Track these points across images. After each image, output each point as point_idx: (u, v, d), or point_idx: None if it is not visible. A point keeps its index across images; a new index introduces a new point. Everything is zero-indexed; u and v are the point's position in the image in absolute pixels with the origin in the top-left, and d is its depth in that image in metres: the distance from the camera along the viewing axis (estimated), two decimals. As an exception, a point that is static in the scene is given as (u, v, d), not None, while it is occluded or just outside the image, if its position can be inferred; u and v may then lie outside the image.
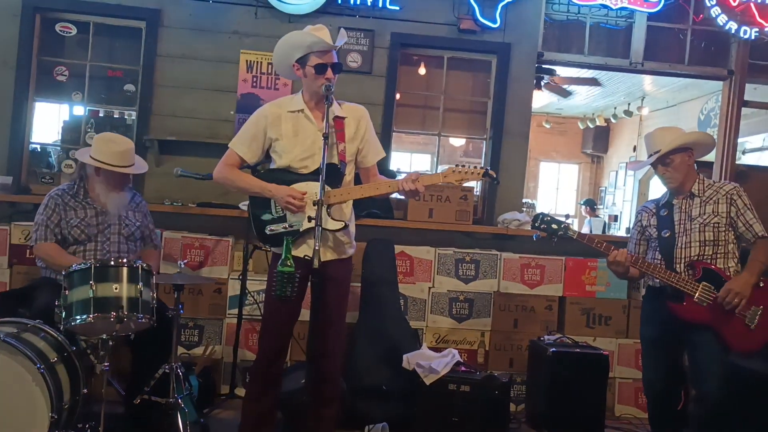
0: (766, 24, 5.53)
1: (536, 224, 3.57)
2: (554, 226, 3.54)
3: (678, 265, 3.50)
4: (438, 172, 3.29)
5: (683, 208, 3.57)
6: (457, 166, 3.16)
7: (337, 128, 3.19)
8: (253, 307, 4.53)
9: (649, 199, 4.25)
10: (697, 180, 3.57)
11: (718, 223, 3.46)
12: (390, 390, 4.19)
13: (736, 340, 3.41)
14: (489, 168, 3.16)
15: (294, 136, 3.24)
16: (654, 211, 3.69)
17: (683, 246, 3.50)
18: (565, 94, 9.96)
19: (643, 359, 3.78)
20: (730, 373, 3.46)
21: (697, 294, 3.40)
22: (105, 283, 3.20)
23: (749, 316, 3.40)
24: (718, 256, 3.47)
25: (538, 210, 11.05)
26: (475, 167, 3.16)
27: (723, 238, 3.47)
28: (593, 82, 9.23)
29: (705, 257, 3.46)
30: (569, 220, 4.59)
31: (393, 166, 5.59)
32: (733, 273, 3.47)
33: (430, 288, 4.84)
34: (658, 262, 3.57)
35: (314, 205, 2.99)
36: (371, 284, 4.59)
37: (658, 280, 3.53)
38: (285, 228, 3.22)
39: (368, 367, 4.32)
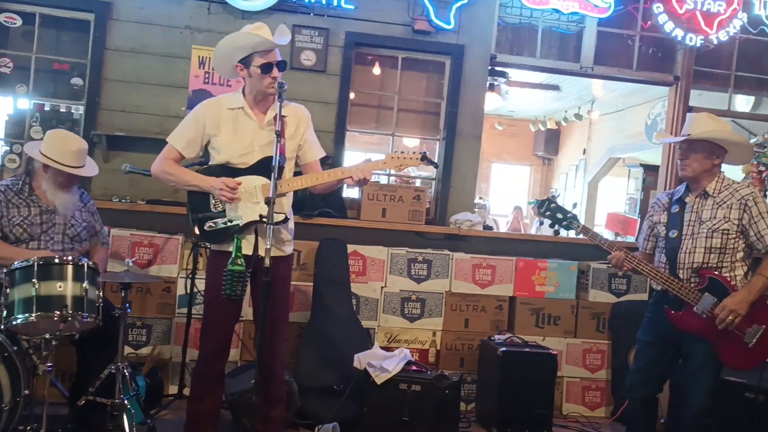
0: (710, 32, 5.69)
1: (541, 211, 3.46)
2: (559, 215, 3.43)
3: (681, 271, 3.34)
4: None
5: (695, 207, 3.38)
6: (395, 152, 3.21)
7: None
8: (202, 306, 4.46)
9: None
10: (716, 179, 3.37)
11: (728, 230, 3.27)
12: (341, 390, 4.18)
13: (732, 357, 3.28)
14: (426, 152, 3.19)
15: (233, 133, 3.27)
16: (666, 206, 3.52)
17: (687, 251, 3.33)
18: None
19: (635, 360, 3.65)
20: (718, 388, 3.34)
21: (697, 304, 3.27)
22: (49, 281, 3.12)
23: (749, 334, 3.24)
24: (724, 264, 3.29)
25: (491, 210, 11.20)
26: (414, 153, 3.20)
27: (731, 246, 3.28)
28: (554, 87, 9.31)
29: (709, 265, 3.29)
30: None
31: (346, 165, 5.56)
32: (740, 283, 3.29)
33: (382, 287, 4.84)
34: (663, 265, 3.43)
35: (265, 203, 3.00)
36: (323, 284, 4.58)
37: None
38: (225, 223, 3.21)
39: (319, 367, 4.31)
